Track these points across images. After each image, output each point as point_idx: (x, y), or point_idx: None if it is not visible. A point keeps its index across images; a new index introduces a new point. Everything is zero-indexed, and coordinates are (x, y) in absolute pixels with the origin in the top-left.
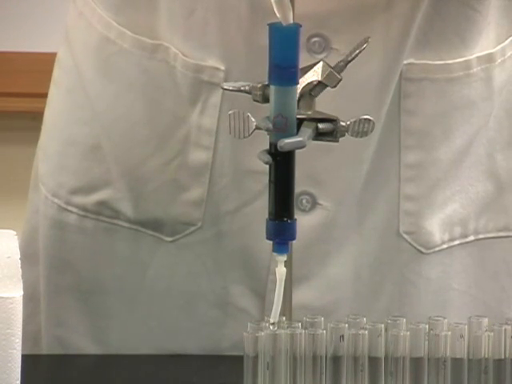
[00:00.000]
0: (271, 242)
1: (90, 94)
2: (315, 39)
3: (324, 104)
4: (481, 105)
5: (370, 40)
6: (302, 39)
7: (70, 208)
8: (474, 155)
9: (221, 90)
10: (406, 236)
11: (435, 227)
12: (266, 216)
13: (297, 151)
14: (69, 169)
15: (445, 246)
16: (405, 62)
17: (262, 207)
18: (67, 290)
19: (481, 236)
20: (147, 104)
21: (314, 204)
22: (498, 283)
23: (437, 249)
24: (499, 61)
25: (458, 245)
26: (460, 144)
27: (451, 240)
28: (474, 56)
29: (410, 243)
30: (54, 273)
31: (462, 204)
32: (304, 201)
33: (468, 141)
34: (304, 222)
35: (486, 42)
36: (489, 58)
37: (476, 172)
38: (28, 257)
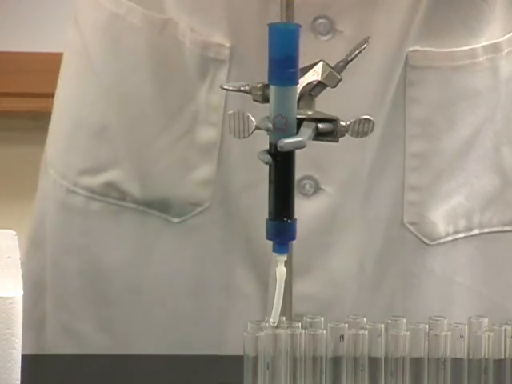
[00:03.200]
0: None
1: (98, 73)
2: (320, 21)
3: (328, 94)
4: (487, 95)
5: (369, 40)
6: (308, 20)
7: (77, 190)
8: (480, 148)
9: (227, 67)
10: (410, 226)
11: (439, 218)
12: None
13: None
14: (77, 150)
15: (449, 238)
16: (410, 49)
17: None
18: (73, 275)
19: (486, 230)
20: (156, 81)
21: (317, 189)
22: (502, 278)
23: (441, 241)
24: (506, 51)
25: (463, 238)
26: (465, 135)
27: (455, 233)
28: (480, 45)
29: (413, 234)
30: (60, 257)
31: (466, 196)
32: (307, 185)
33: (473, 132)
34: (306, 208)
35: (492, 32)
36: (495, 48)
37: (482, 165)
38: (35, 243)
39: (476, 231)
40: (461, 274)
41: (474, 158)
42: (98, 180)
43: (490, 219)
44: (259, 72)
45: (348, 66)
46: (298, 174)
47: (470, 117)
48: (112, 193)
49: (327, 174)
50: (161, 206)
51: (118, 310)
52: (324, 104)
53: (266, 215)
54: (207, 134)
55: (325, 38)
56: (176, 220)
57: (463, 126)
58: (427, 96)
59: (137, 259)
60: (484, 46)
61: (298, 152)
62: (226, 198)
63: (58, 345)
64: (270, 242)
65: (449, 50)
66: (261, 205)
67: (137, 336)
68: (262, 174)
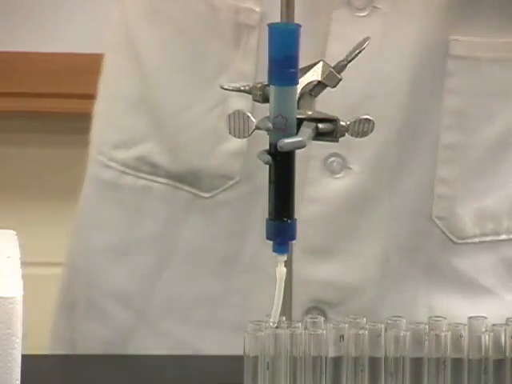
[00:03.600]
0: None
1: (137, 44)
2: None
3: (360, 79)
4: None
5: (368, 40)
6: None
7: (111, 164)
8: None
9: (257, 34)
10: (437, 221)
11: (468, 217)
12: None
13: None
14: (113, 124)
15: (476, 239)
16: (450, 37)
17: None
18: (102, 250)
19: None
20: (193, 50)
21: (344, 167)
22: None
23: (468, 240)
24: None
25: (489, 242)
26: (500, 131)
27: (483, 235)
28: None
29: (441, 229)
30: (90, 233)
31: (497, 199)
32: (334, 163)
33: (508, 131)
34: (333, 186)
35: None
36: None
37: None
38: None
39: (504, 236)
40: (485, 277)
41: (505, 158)
42: (130, 153)
43: None
44: None
45: (383, 49)
46: (325, 152)
47: (508, 113)
48: (144, 167)
49: (355, 153)
50: (191, 180)
51: (143, 285)
52: (354, 85)
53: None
54: (239, 104)
55: (363, 13)
56: (206, 195)
57: (499, 121)
58: (465, 87)
59: (165, 236)
60: None
61: None
62: (255, 171)
63: (85, 324)
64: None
65: (490, 40)
66: None
67: (160, 313)
68: None
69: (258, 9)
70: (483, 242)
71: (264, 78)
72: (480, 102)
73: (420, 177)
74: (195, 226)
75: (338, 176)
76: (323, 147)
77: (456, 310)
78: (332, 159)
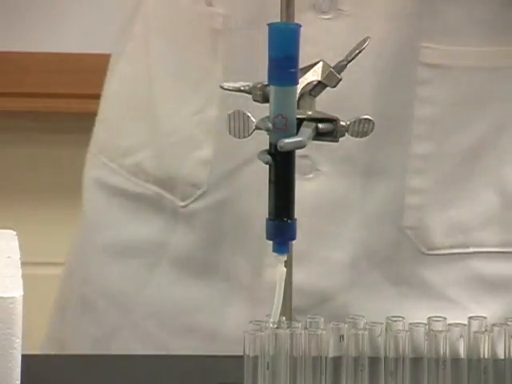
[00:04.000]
0: (267, 209)
1: (150, 54)
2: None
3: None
4: (498, 104)
5: (368, 40)
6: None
7: (120, 171)
8: (483, 160)
9: (227, 36)
10: (408, 231)
11: (438, 228)
12: (265, 177)
13: None
14: (123, 131)
15: (446, 251)
16: (423, 44)
17: (262, 168)
18: (100, 251)
19: (482, 249)
20: (180, 57)
21: (314, 169)
22: (496, 300)
23: (437, 252)
24: None
25: (458, 254)
26: (471, 141)
27: (452, 247)
28: (498, 49)
29: (411, 240)
30: (92, 233)
31: (467, 211)
32: (304, 165)
33: (480, 140)
34: (303, 188)
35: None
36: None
37: (484, 180)
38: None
39: (472, 249)
40: (453, 290)
41: (476, 170)
42: (133, 160)
43: (487, 239)
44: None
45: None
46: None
47: (479, 123)
48: (140, 174)
49: (324, 155)
50: (170, 188)
51: (133, 287)
52: (328, 97)
53: (259, 205)
54: (212, 113)
55: (326, 16)
56: (182, 204)
57: (471, 131)
58: (437, 96)
59: (157, 240)
60: (503, 51)
61: None
62: (221, 181)
63: (75, 320)
64: (262, 226)
65: (463, 48)
66: (254, 190)
67: (145, 315)
68: (252, 154)
69: (221, 10)
70: (453, 253)
71: (234, 80)
72: (452, 111)
73: (391, 185)
74: (180, 233)
75: (307, 177)
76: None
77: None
78: (302, 161)
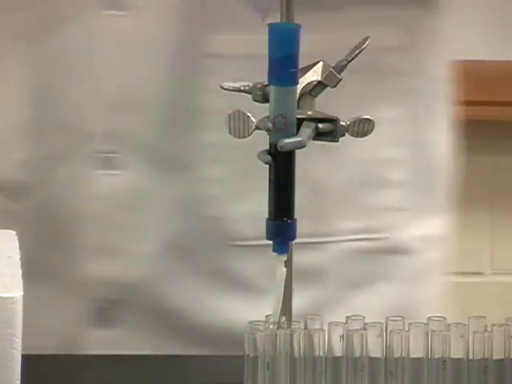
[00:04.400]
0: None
1: None
2: None
3: None
4: None
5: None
6: None
7: None
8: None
9: None
10: (212, 222)
11: (242, 219)
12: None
13: None
14: None
15: (250, 242)
16: (211, 37)
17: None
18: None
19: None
20: None
21: (120, 163)
22: (307, 289)
23: (242, 242)
24: None
25: (264, 245)
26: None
27: (256, 238)
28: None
29: (216, 230)
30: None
31: (261, 200)
32: (111, 160)
33: None
34: (108, 183)
35: None
36: None
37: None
38: None
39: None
40: (261, 281)
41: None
42: None
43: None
44: None
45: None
46: (103, 147)
47: None
48: None
49: (127, 149)
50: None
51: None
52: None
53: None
54: (22, 114)
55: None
56: (13, 205)
57: None
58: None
59: None
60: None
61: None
62: (41, 180)
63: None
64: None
65: (242, 37)
66: (72, 188)
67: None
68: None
69: None
70: (259, 245)
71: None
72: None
73: (191, 176)
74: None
75: (113, 172)
76: (103, 143)
77: (236, 311)
78: (107, 155)
